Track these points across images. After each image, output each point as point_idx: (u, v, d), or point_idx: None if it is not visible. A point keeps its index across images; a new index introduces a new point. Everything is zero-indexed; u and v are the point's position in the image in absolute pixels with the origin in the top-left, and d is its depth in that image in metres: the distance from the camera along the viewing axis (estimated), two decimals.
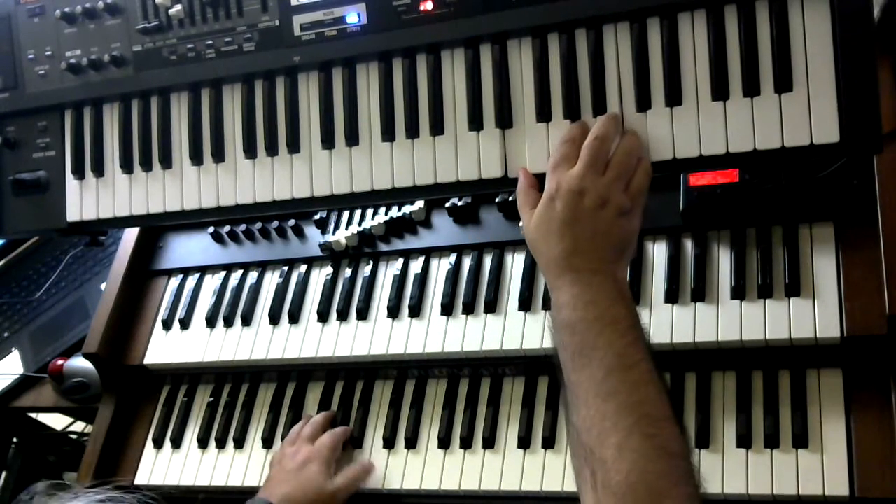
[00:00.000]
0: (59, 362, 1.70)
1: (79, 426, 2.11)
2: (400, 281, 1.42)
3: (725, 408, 1.20)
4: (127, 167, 1.32)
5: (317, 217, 1.52)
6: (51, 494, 0.75)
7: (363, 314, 1.41)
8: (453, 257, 1.41)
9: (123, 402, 1.55)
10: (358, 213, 1.50)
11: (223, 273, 1.57)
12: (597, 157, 1.01)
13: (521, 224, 1.35)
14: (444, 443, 1.32)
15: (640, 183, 1.03)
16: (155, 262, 1.64)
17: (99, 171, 1.34)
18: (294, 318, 1.46)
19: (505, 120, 1.12)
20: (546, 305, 1.30)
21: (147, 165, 1.31)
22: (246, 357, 1.46)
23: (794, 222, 1.23)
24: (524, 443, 1.27)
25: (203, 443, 1.47)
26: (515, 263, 1.37)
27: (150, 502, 0.77)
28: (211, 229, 1.59)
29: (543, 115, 1.10)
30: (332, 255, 1.49)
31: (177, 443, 1.49)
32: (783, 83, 1.01)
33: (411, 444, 1.33)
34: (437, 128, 1.15)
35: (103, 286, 1.67)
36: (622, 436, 0.86)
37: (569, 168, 1.02)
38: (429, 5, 1.12)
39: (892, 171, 1.15)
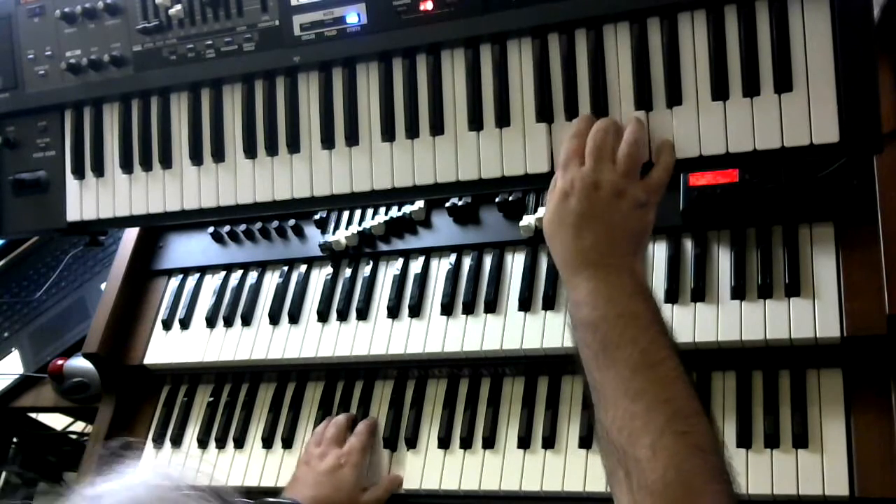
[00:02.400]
0: (59, 362, 1.70)
1: (79, 426, 2.11)
2: (400, 281, 1.42)
3: (725, 408, 1.20)
4: (127, 167, 1.32)
5: (317, 217, 1.52)
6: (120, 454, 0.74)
7: (363, 314, 1.41)
8: (453, 257, 1.41)
9: (123, 402, 1.55)
10: (358, 213, 1.50)
11: (223, 273, 1.57)
12: (602, 146, 1.01)
13: (521, 224, 1.36)
14: (444, 443, 1.31)
15: (659, 178, 1.02)
16: (155, 262, 1.64)
17: (99, 170, 1.34)
18: (294, 318, 1.46)
19: (505, 120, 1.12)
20: (546, 305, 1.30)
21: (147, 165, 1.31)
22: (246, 357, 1.46)
23: (794, 222, 1.23)
24: (524, 443, 1.27)
25: (203, 443, 1.47)
26: (515, 263, 1.37)
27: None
28: (211, 229, 1.59)
29: (544, 115, 1.10)
30: (332, 255, 1.49)
31: (177, 443, 1.49)
32: (783, 83, 1.01)
33: (411, 444, 1.33)
34: (437, 128, 1.15)
35: (103, 286, 1.67)
36: (654, 436, 0.86)
37: (580, 164, 1.01)
38: (429, 5, 1.12)
39: (892, 171, 1.15)
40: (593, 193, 0.99)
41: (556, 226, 1.01)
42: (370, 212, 1.49)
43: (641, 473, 0.85)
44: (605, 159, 1.00)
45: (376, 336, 1.39)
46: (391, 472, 1.32)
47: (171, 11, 1.24)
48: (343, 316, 1.42)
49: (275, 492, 1.37)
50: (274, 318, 1.47)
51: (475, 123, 1.13)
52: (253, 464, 1.42)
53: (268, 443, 1.43)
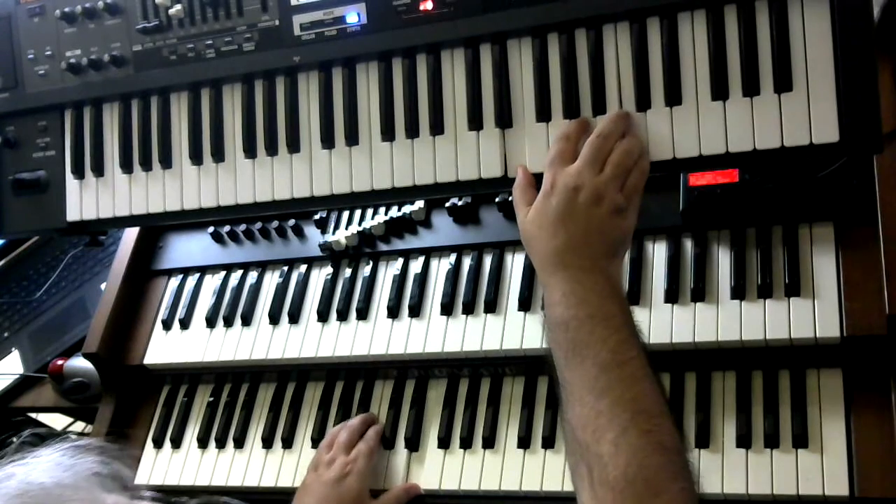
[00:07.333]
0: (59, 362, 1.70)
1: (79, 426, 2.11)
2: (400, 281, 1.42)
3: (725, 408, 1.20)
4: (127, 167, 1.32)
5: (317, 217, 1.52)
6: (21, 450, 0.73)
7: (363, 314, 1.41)
8: (453, 257, 1.41)
9: (123, 402, 1.55)
10: (358, 213, 1.50)
11: (223, 273, 1.57)
12: (597, 155, 1.02)
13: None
14: (444, 443, 1.31)
15: (635, 182, 1.03)
16: (155, 262, 1.64)
17: (99, 170, 1.34)
18: (294, 318, 1.46)
19: (505, 120, 1.12)
20: None
21: (147, 165, 1.31)
22: (246, 357, 1.46)
23: (794, 222, 1.23)
24: (524, 443, 1.27)
25: (203, 443, 1.47)
26: (515, 263, 1.37)
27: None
28: (211, 229, 1.59)
29: (543, 115, 1.10)
30: (332, 255, 1.49)
31: (177, 443, 1.49)
32: (783, 83, 1.01)
33: (411, 444, 1.33)
34: (437, 128, 1.15)
35: (103, 286, 1.66)
36: (618, 432, 0.86)
37: (565, 165, 1.03)
38: (429, 5, 1.12)
39: (892, 171, 1.15)
40: (573, 197, 1.00)
41: (537, 226, 1.03)
42: (370, 212, 1.49)
43: (603, 469, 0.85)
44: (593, 166, 1.01)
45: (376, 336, 1.39)
46: (408, 480, 1.31)
47: (171, 11, 1.24)
48: (343, 316, 1.42)
49: (275, 492, 1.37)
50: (274, 318, 1.47)
51: (475, 123, 1.13)
52: (253, 464, 1.42)
53: (268, 443, 1.43)
